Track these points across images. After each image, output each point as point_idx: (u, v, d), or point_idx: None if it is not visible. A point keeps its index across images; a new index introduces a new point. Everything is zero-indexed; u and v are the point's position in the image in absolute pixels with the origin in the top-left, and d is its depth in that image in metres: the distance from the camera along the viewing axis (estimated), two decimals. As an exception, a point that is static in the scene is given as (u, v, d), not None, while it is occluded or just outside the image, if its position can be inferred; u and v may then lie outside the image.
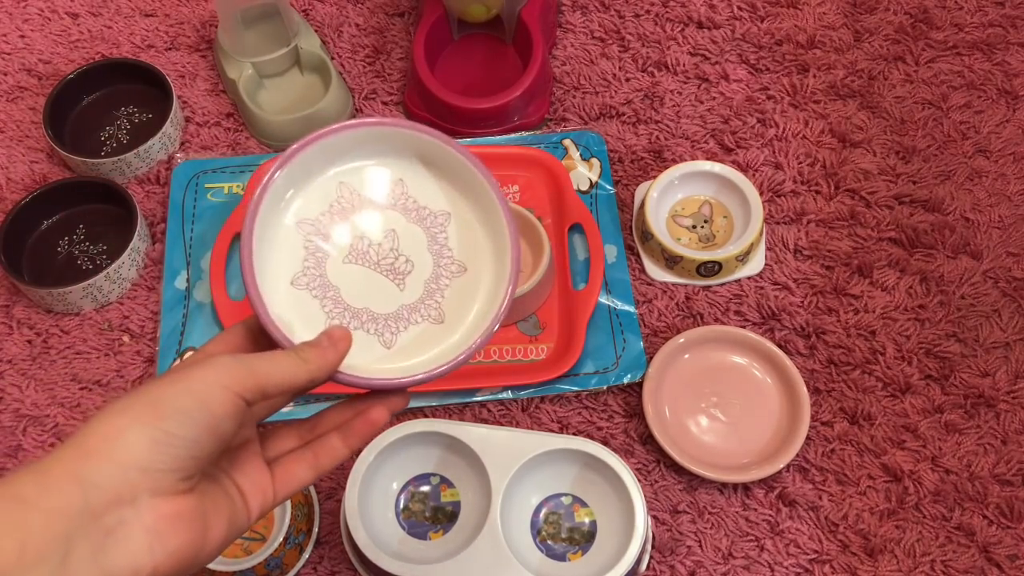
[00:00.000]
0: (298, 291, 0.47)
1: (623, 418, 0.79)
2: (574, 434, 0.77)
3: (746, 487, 0.76)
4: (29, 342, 0.82)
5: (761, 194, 0.86)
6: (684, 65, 0.96)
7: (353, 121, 0.48)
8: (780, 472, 0.75)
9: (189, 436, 0.38)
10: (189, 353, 0.80)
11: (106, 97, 0.94)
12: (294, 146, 0.46)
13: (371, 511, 0.71)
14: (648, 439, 0.77)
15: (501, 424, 0.78)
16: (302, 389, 0.43)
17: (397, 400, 0.47)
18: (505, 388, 0.79)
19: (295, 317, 0.46)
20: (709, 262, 0.82)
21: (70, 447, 0.37)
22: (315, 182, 0.48)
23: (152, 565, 0.37)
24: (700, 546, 0.74)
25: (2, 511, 0.35)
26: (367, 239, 0.49)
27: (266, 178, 0.45)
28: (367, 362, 0.47)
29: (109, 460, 0.37)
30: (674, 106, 0.93)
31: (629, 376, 0.79)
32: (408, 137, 0.49)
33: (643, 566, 0.72)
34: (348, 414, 0.47)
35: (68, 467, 0.36)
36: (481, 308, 0.49)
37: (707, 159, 0.89)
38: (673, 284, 0.84)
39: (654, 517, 0.75)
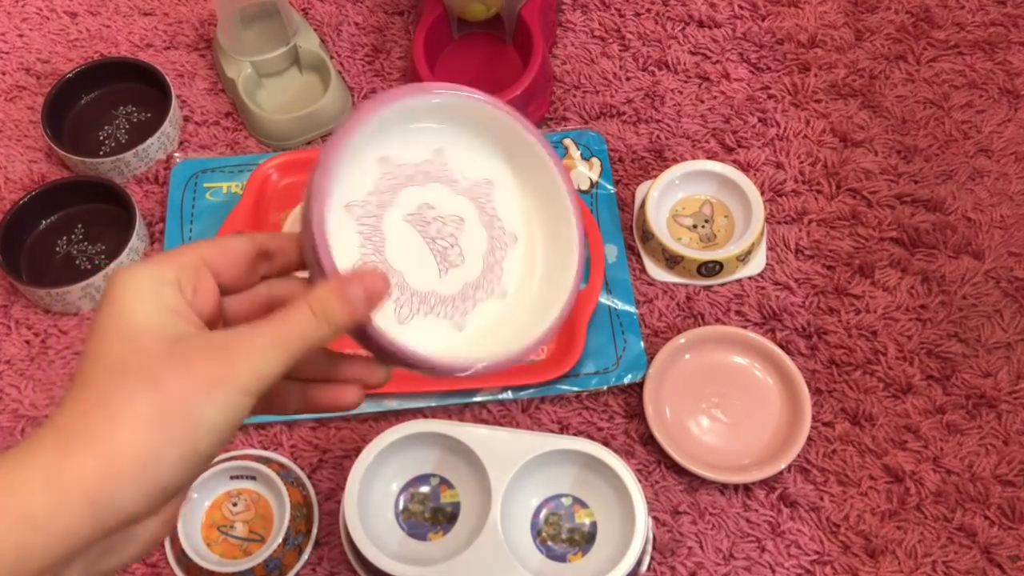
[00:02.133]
0: (347, 218, 0.43)
1: (623, 419, 0.79)
2: (574, 435, 0.77)
3: (747, 488, 0.75)
4: (27, 342, 0.82)
5: (762, 193, 0.86)
6: (685, 64, 0.95)
7: (390, 94, 0.43)
8: (781, 473, 0.75)
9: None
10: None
11: (105, 96, 0.94)
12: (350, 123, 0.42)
13: (371, 512, 0.71)
14: (649, 439, 0.77)
15: (501, 425, 0.78)
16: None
17: (377, 374, 0.43)
18: (505, 388, 0.78)
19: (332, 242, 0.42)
20: (710, 262, 0.82)
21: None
22: (351, 156, 0.44)
23: None
24: (701, 547, 0.73)
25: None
26: (419, 215, 0.46)
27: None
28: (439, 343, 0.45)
29: None
30: (675, 105, 0.93)
31: (629, 376, 0.79)
32: (447, 104, 0.46)
33: (644, 567, 0.72)
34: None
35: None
36: (543, 276, 0.48)
37: (708, 158, 0.89)
38: (674, 284, 0.84)
39: (655, 518, 0.75)
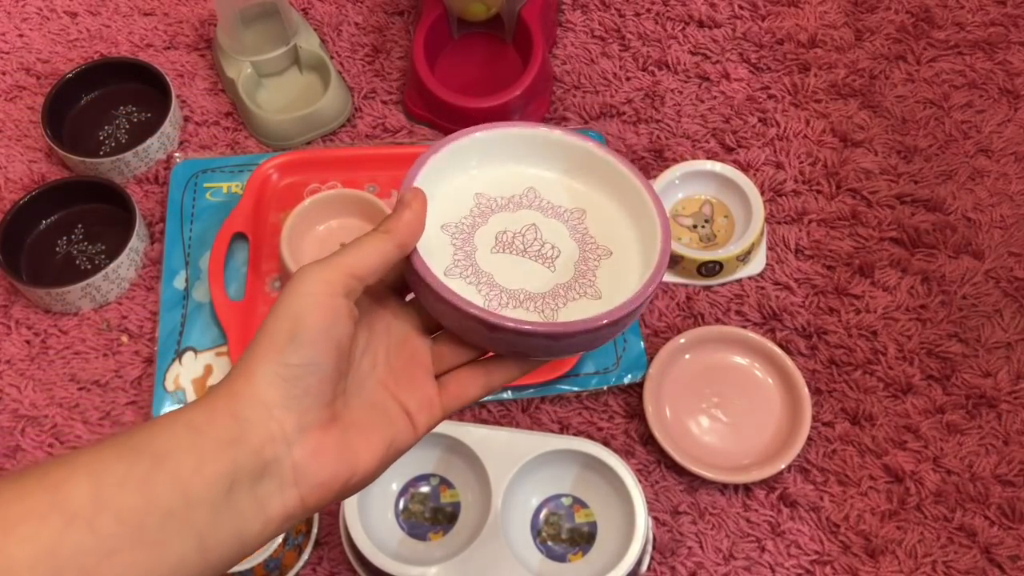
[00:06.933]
0: (452, 280, 0.46)
1: (623, 418, 0.79)
2: (574, 435, 0.77)
3: (747, 488, 0.76)
4: (28, 342, 0.82)
5: (762, 193, 0.86)
6: (685, 64, 0.95)
7: (476, 129, 0.48)
8: (781, 473, 0.75)
9: (307, 360, 0.39)
10: (188, 354, 0.80)
11: (105, 96, 0.94)
12: (427, 152, 0.47)
13: (370, 512, 0.71)
14: (649, 439, 0.77)
15: (501, 424, 0.78)
16: (396, 259, 0.43)
17: None
18: (505, 388, 0.78)
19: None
20: (710, 262, 0.82)
21: (223, 388, 0.39)
22: (448, 189, 0.49)
23: (299, 497, 0.39)
24: (701, 547, 0.73)
25: (179, 433, 0.38)
26: (509, 232, 0.49)
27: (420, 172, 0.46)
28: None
29: (253, 400, 0.39)
30: (675, 105, 0.93)
31: (630, 376, 0.79)
32: (530, 138, 0.50)
33: (644, 567, 0.72)
34: None
35: (226, 405, 0.39)
36: (636, 282, 0.48)
37: (708, 158, 0.89)
38: (674, 284, 0.84)
39: (655, 518, 0.75)
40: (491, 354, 0.46)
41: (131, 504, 0.35)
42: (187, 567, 0.37)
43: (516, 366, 0.46)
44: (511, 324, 0.42)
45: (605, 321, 0.43)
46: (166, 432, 0.38)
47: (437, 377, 0.46)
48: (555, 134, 0.50)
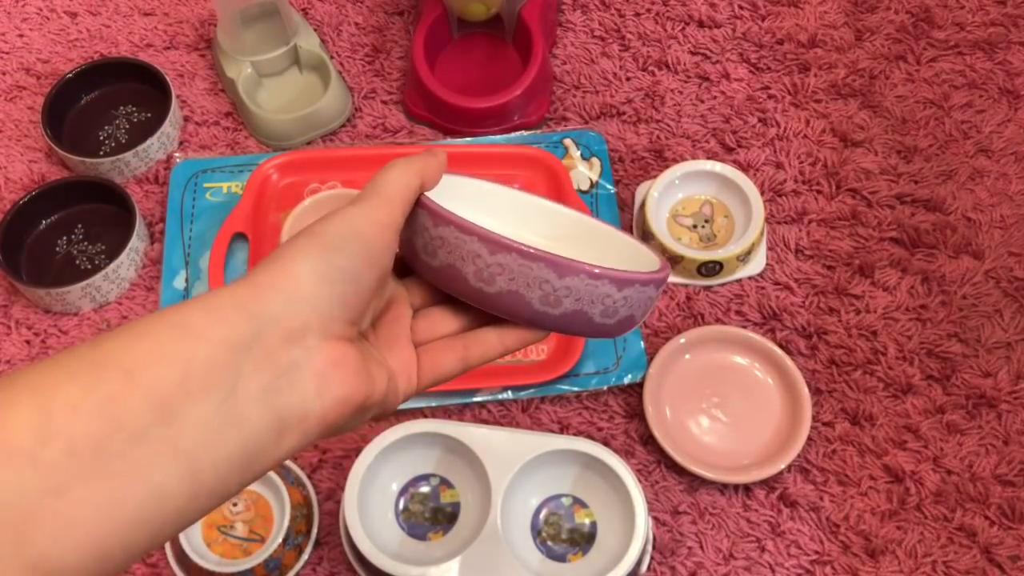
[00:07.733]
0: None
1: (623, 419, 0.79)
2: (574, 435, 0.77)
3: (747, 488, 0.76)
4: (28, 342, 0.82)
5: (762, 193, 0.86)
6: (685, 64, 0.95)
7: None
8: (781, 473, 0.75)
9: (351, 268, 0.37)
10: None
11: (105, 96, 0.94)
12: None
13: (371, 512, 0.71)
14: (649, 440, 0.77)
15: (501, 425, 0.78)
16: (416, 196, 0.42)
17: None
18: (505, 388, 0.78)
19: None
20: (710, 262, 0.82)
21: (240, 282, 0.36)
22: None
23: (321, 411, 0.36)
24: (701, 547, 0.73)
25: (163, 339, 0.33)
26: None
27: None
28: None
29: (279, 292, 0.35)
30: (675, 105, 0.93)
31: (630, 376, 0.79)
32: (536, 205, 0.53)
33: (644, 567, 0.72)
34: None
35: (238, 300, 0.35)
36: None
37: (708, 158, 0.89)
38: (674, 284, 0.84)
39: (655, 518, 0.75)
40: (470, 328, 0.45)
41: (87, 431, 0.30)
42: (171, 498, 0.32)
43: (497, 339, 0.44)
44: (513, 242, 0.40)
45: (598, 270, 0.41)
46: (143, 339, 0.33)
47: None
48: (559, 207, 0.52)
